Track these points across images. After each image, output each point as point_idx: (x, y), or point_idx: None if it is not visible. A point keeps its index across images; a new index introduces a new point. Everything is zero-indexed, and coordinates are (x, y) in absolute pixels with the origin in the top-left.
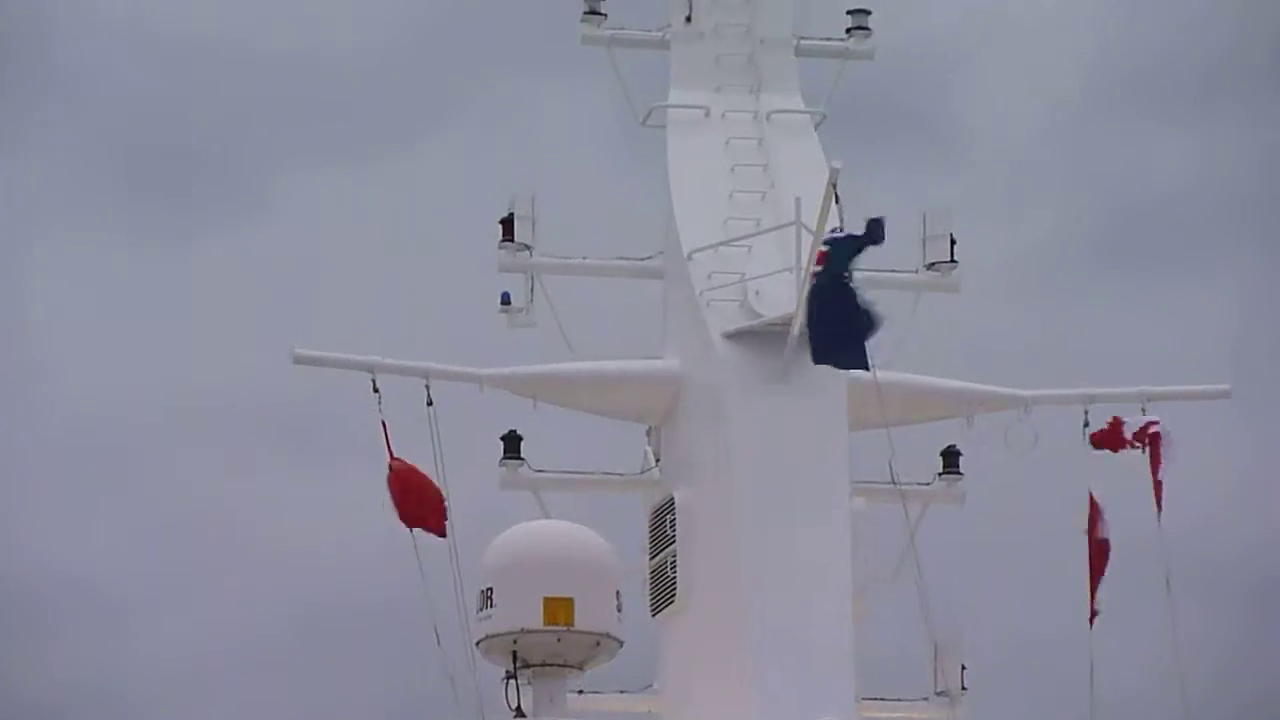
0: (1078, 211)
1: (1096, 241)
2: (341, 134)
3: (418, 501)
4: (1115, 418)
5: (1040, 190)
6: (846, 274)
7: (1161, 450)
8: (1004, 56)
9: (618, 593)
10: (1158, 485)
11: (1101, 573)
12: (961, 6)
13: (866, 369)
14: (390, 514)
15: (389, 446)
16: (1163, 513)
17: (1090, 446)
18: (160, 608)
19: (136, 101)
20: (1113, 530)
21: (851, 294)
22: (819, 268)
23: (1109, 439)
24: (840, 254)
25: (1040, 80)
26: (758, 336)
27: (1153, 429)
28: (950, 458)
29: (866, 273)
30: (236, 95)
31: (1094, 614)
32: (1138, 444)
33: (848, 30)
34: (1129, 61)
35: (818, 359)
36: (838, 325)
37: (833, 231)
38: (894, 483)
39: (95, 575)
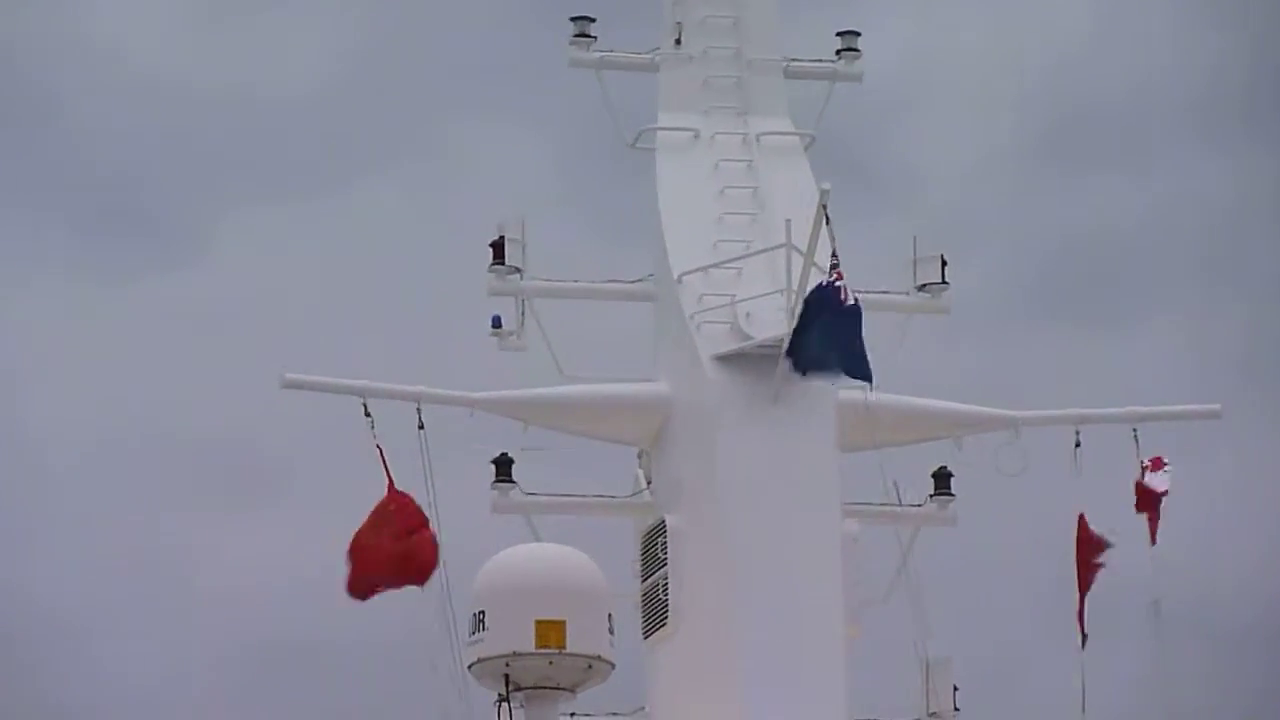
0: (1020, 251)
1: (1043, 280)
2: (328, 161)
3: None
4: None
5: (984, 230)
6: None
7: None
8: (943, 96)
9: (610, 615)
10: (1153, 516)
11: (1086, 593)
12: (901, 46)
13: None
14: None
15: (387, 471)
16: (1156, 538)
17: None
18: (135, 643)
19: (93, 136)
20: (1106, 554)
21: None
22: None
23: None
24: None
25: (979, 121)
26: (748, 359)
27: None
28: (942, 479)
29: (856, 293)
30: (216, 127)
31: (1084, 636)
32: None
33: (837, 52)
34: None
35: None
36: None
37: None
38: (897, 503)
39: (60, 609)
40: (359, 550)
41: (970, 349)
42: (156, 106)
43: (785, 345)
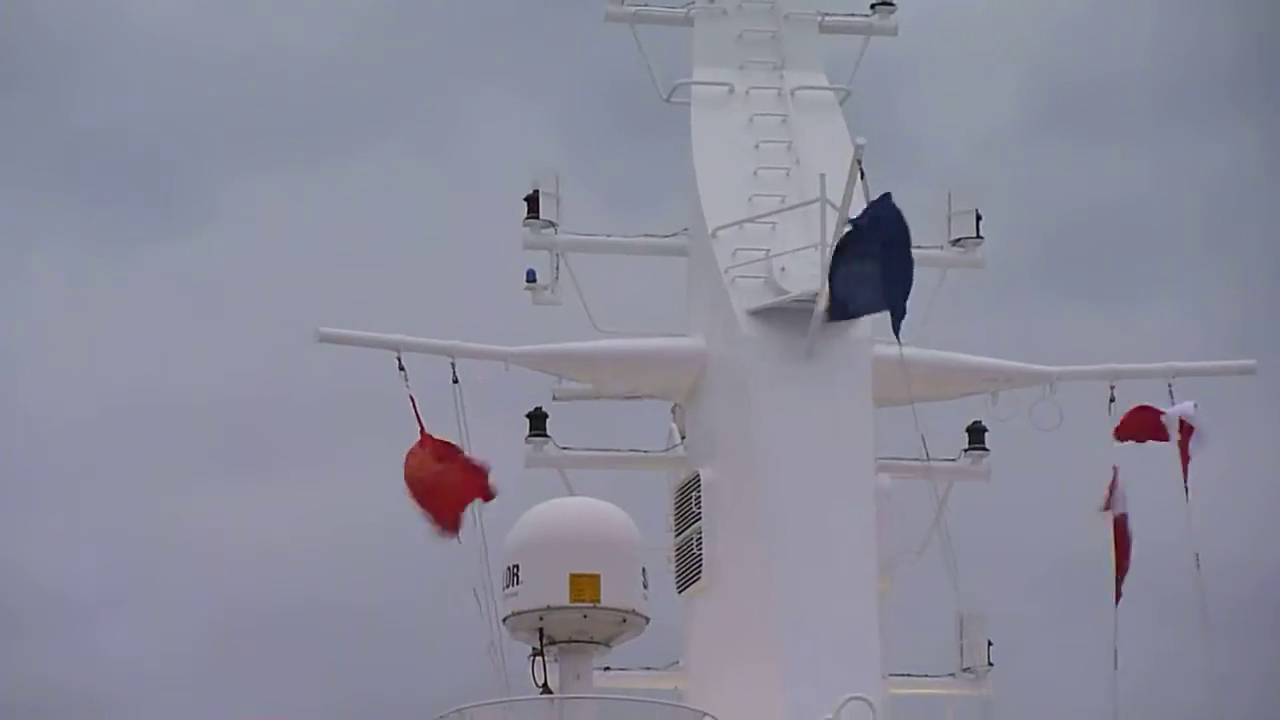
0: (1027, 223)
1: (1062, 244)
2: (356, 121)
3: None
4: (1138, 406)
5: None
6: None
7: (1192, 441)
8: (947, 67)
9: (644, 569)
10: (1185, 465)
11: (1125, 550)
12: (907, 16)
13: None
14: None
15: (420, 423)
16: (1190, 494)
17: (1115, 439)
18: (162, 609)
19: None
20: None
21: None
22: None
23: (1133, 428)
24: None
25: (982, 92)
26: (782, 313)
27: (1184, 420)
28: (976, 434)
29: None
30: (235, 89)
31: (1119, 592)
32: (1165, 437)
33: (872, 6)
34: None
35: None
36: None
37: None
38: (925, 459)
39: (69, 577)
40: (418, 493)
41: (1001, 308)
42: (168, 70)
43: (821, 304)
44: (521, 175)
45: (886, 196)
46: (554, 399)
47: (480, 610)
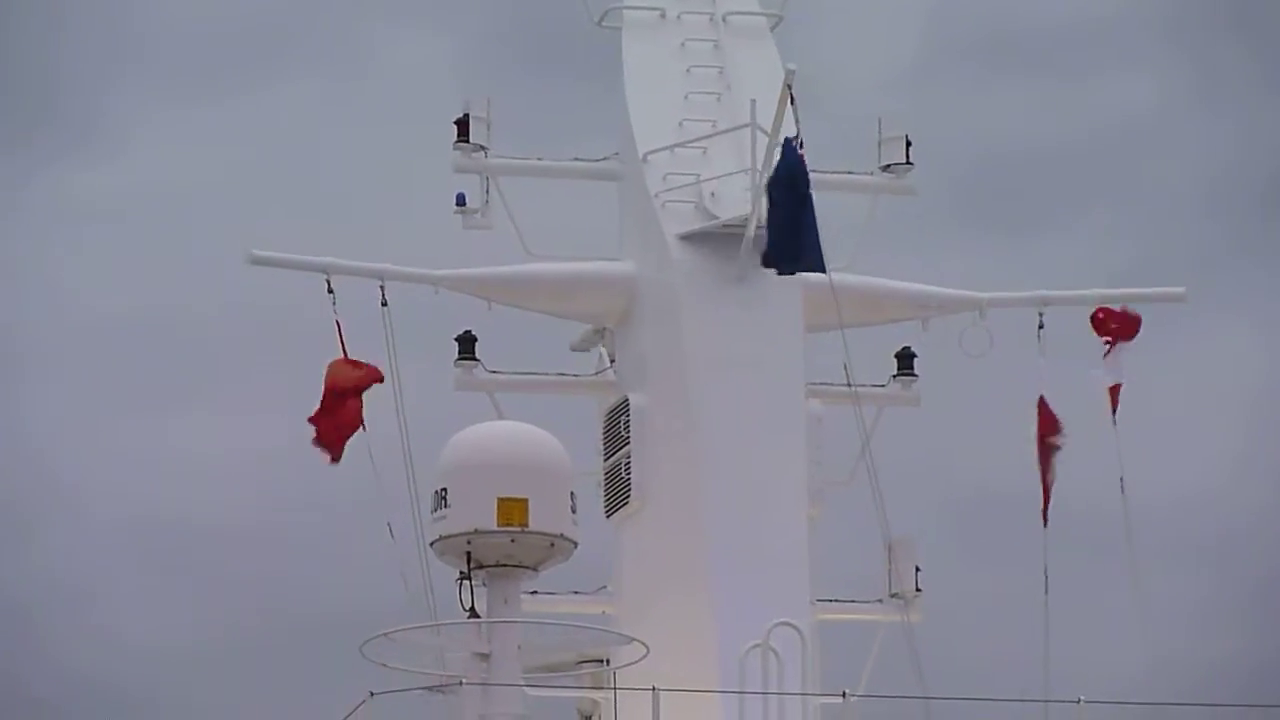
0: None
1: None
2: (289, 33)
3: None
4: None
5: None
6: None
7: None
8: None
9: (572, 494)
10: (1114, 389)
11: (1050, 474)
12: None
13: (823, 270)
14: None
15: (344, 348)
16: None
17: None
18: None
19: None
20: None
21: (805, 197)
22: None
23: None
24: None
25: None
26: (713, 238)
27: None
28: (905, 360)
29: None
30: (156, 20)
31: (1046, 517)
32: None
33: None
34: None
35: (770, 263)
36: (793, 228)
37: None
38: (849, 384)
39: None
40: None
41: (930, 238)
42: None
43: (751, 229)
44: (451, 101)
45: (789, 143)
46: (572, 350)
47: (392, 538)
